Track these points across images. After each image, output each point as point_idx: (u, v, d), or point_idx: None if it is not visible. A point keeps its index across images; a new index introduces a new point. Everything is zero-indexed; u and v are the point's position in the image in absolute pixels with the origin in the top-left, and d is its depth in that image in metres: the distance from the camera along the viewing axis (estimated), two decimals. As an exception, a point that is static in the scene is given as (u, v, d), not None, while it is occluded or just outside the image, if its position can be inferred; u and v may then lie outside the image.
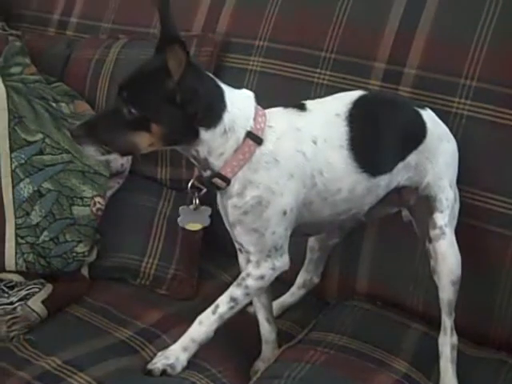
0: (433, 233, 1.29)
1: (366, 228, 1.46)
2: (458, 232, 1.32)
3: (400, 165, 1.27)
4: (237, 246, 1.28)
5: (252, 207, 1.18)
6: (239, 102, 1.19)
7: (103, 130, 1.16)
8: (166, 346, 1.26)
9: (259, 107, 1.22)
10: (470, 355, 1.34)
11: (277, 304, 1.44)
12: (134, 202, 1.57)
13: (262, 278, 1.22)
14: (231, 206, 1.20)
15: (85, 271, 1.48)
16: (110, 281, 1.48)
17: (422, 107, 1.33)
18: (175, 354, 1.22)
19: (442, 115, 1.37)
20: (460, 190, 1.35)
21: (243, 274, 1.24)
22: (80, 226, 1.45)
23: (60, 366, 1.20)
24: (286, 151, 1.20)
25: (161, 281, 1.48)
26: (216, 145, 1.17)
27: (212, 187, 1.21)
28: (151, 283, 1.48)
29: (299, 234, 1.29)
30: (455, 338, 1.29)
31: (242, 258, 1.30)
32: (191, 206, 1.26)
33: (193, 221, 1.29)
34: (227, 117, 1.17)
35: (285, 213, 1.19)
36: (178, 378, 1.22)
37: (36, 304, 1.35)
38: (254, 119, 1.19)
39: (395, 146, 1.26)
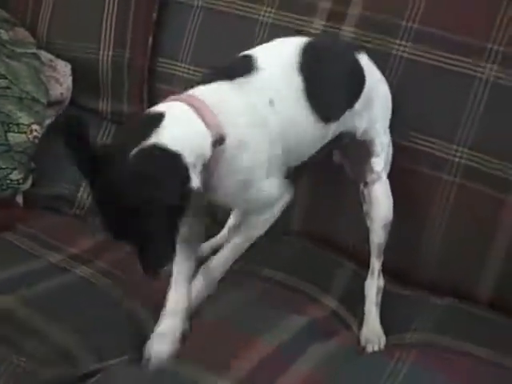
0: (370, 177, 1.30)
1: (299, 168, 1.47)
2: (389, 173, 1.33)
3: (347, 113, 1.27)
4: None
5: (237, 190, 1.13)
6: (179, 141, 1.02)
7: None
8: (98, 269, 1.26)
9: (194, 99, 1.07)
10: (394, 293, 1.36)
11: (208, 244, 1.40)
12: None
13: (266, 223, 1.20)
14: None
15: (19, 199, 1.47)
16: (44, 209, 1.47)
17: (358, 51, 1.32)
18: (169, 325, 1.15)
19: (383, 56, 1.38)
20: (393, 131, 1.36)
21: (244, 225, 1.19)
22: (15, 152, 1.42)
23: (-14, 289, 1.20)
24: (248, 132, 1.11)
25: (96, 210, 1.48)
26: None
27: None
28: (86, 213, 1.48)
29: None
30: (381, 282, 1.31)
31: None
32: None
33: None
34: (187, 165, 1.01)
35: (268, 173, 1.14)
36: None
37: (-34, 227, 1.34)
38: (204, 121, 1.05)
39: (343, 94, 1.25)
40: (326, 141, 1.27)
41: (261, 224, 1.20)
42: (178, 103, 1.07)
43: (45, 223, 1.42)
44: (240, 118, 1.11)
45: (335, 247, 1.45)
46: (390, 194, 1.31)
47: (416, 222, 1.40)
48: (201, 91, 1.10)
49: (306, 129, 1.20)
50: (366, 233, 1.32)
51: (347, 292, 1.34)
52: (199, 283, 1.20)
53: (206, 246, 1.39)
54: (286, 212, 1.44)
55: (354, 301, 1.31)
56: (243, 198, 1.15)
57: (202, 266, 1.20)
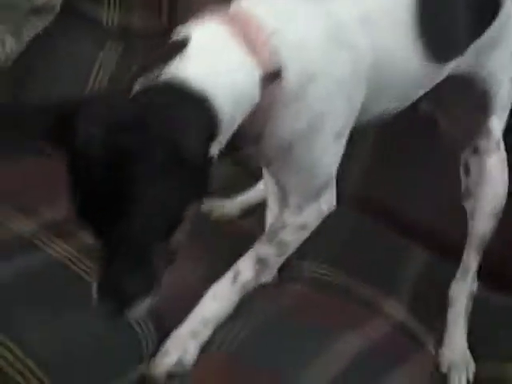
0: (484, 144, 1.05)
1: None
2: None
3: (472, 46, 0.95)
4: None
5: (293, 146, 0.83)
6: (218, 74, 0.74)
7: None
8: (80, 247, 0.94)
9: (239, 15, 0.77)
10: (487, 301, 1.10)
11: (238, 202, 1.16)
12: (66, 48, 1.29)
13: (303, 227, 0.90)
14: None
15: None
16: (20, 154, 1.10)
17: None
18: (181, 345, 0.88)
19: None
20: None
21: (277, 225, 0.90)
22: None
23: None
24: (322, 57, 0.81)
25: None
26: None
27: None
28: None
29: None
30: (475, 285, 1.06)
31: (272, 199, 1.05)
32: None
33: None
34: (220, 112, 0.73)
35: (338, 136, 0.85)
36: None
37: None
38: (251, 48, 0.76)
39: (470, 18, 0.93)
40: (435, 82, 0.95)
41: (298, 226, 0.90)
42: (213, 23, 0.77)
43: (17, 176, 1.07)
44: (309, 36, 0.79)
45: (401, 225, 1.18)
46: (506, 165, 1.05)
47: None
48: (251, 1, 0.79)
49: (406, 66, 0.88)
50: (450, 211, 1.09)
51: (417, 293, 1.08)
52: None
53: (235, 205, 1.17)
54: (339, 174, 1.10)
55: (427, 306, 1.07)
56: (296, 163, 0.85)
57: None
